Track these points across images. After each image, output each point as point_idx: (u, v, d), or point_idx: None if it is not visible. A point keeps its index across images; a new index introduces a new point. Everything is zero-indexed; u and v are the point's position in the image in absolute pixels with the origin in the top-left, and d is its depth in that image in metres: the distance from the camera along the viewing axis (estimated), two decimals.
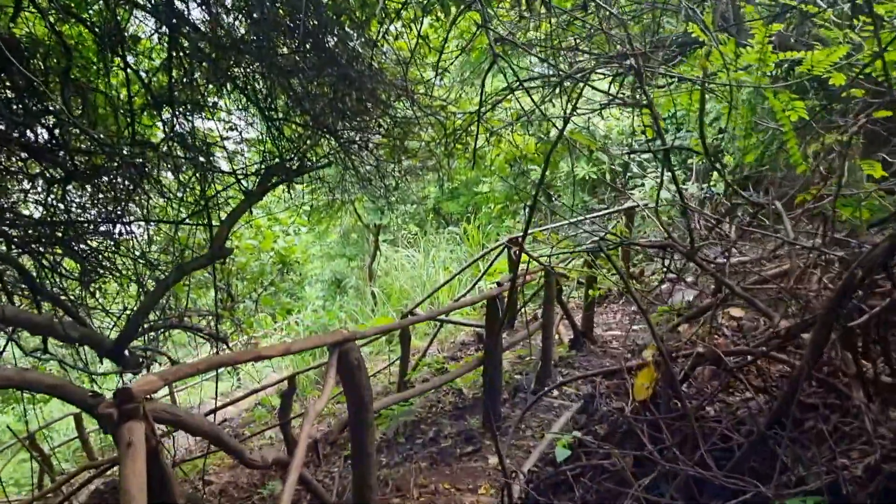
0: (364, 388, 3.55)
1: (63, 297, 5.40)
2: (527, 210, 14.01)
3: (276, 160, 6.22)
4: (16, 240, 5.27)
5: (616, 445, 3.25)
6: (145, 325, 6.05)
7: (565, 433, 3.73)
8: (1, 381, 3.35)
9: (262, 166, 5.89)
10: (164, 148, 5.67)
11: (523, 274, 5.08)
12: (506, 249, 8.80)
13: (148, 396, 2.42)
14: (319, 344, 3.21)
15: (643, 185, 11.13)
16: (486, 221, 15.95)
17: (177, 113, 5.67)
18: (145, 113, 6.19)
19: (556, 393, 6.38)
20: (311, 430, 2.98)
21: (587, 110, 10.72)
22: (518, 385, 6.31)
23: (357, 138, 6.95)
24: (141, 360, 5.07)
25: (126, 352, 5.00)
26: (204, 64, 5.68)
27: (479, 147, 7.89)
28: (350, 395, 3.60)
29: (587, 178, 11.07)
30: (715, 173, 11.31)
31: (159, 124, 6.32)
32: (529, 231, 10.40)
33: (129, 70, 5.24)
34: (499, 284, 4.74)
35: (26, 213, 6.27)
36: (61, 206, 5.63)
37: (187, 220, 5.29)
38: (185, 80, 5.63)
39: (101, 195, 6.21)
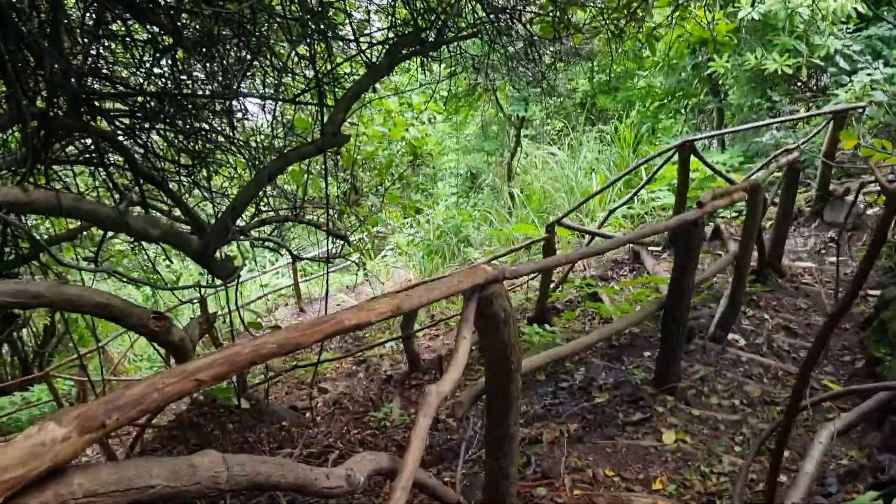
0: (512, 351, 2.49)
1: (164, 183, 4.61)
2: (716, 112, 12.31)
3: (409, 29, 5.08)
4: (116, 115, 4.47)
5: None
6: (252, 221, 5.24)
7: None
8: (25, 299, 2.52)
9: (391, 34, 4.77)
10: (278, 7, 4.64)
11: (727, 192, 3.79)
12: (677, 154, 7.39)
13: None
14: (449, 293, 2.16)
15: (850, 83, 9.21)
16: (639, 120, 14.27)
17: None
18: None
19: (742, 342, 5.14)
20: (429, 419, 1.96)
21: None
22: (691, 326, 5.09)
23: (509, 5, 5.67)
24: (236, 265, 4.21)
25: (219, 254, 4.16)
26: None
27: (659, 25, 6.42)
28: (491, 359, 2.57)
29: (779, 71, 9.26)
30: None
31: None
32: (704, 136, 8.87)
33: None
34: (699, 205, 3.51)
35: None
36: (165, 77, 4.77)
37: (293, 99, 4.27)
38: None
39: (211, 66, 5.31)
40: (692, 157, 7.39)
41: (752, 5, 9.03)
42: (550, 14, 6.13)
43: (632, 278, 7.67)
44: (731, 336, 5.11)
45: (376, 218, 7.70)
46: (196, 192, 5.59)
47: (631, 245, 8.21)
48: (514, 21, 5.99)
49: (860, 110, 8.33)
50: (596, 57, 12.14)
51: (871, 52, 10.13)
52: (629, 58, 14.15)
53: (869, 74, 9.09)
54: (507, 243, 10.49)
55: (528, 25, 6.27)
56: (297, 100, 4.53)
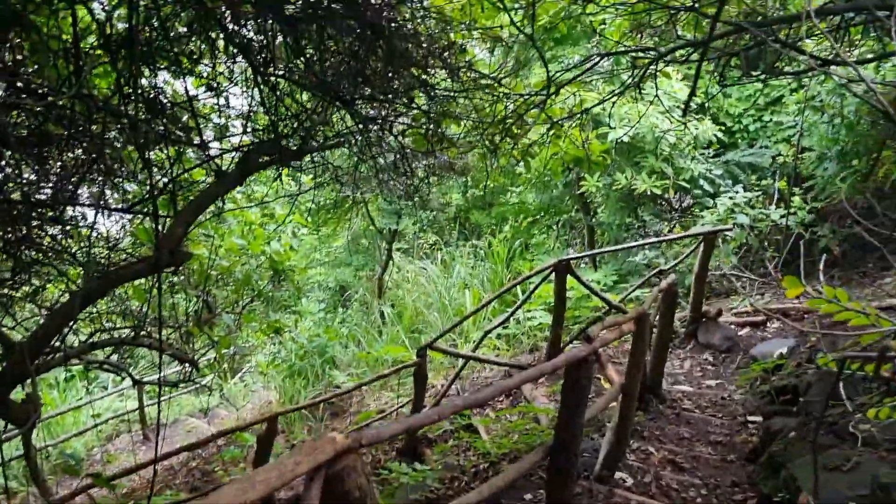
0: None
1: None
2: (586, 229, 12.48)
3: (269, 136, 4.69)
4: None
5: None
6: (84, 343, 4.55)
7: None
8: None
9: (248, 141, 4.36)
10: (122, 108, 4.13)
11: (616, 324, 3.53)
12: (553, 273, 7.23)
13: None
14: (280, 484, 1.64)
15: (714, 206, 9.55)
16: (512, 236, 14.40)
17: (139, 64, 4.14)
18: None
19: (629, 481, 4.79)
20: None
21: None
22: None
23: (380, 115, 5.40)
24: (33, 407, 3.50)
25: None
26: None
27: (534, 142, 6.34)
28: None
29: (648, 192, 9.50)
30: (796, 198, 9.76)
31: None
32: (580, 255, 8.86)
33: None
34: (588, 339, 3.19)
35: None
36: None
37: (129, 209, 3.73)
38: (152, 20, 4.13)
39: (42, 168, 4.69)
40: (568, 276, 7.27)
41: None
42: (423, 126, 5.92)
43: (509, 405, 7.31)
44: (617, 475, 4.77)
45: (229, 340, 7.04)
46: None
47: (507, 369, 7.91)
48: (385, 132, 5.73)
49: (727, 232, 8.55)
50: (470, 172, 12.18)
51: (730, 177, 10.63)
52: (502, 174, 14.34)
53: (731, 198, 9.45)
54: (375, 366, 9.97)
55: (399, 137, 6.02)
56: (134, 209, 3.97)
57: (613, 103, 6.35)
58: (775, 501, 3.87)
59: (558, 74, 5.81)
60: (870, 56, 7.62)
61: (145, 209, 4.02)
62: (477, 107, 6.09)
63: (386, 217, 12.54)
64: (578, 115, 6.02)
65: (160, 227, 3.48)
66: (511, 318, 8.02)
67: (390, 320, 11.86)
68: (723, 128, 10.67)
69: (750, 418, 6.26)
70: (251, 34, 4.56)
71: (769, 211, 9.45)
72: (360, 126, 5.45)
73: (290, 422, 9.97)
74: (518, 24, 5.24)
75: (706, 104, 10.61)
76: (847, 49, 5.42)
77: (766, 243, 9.80)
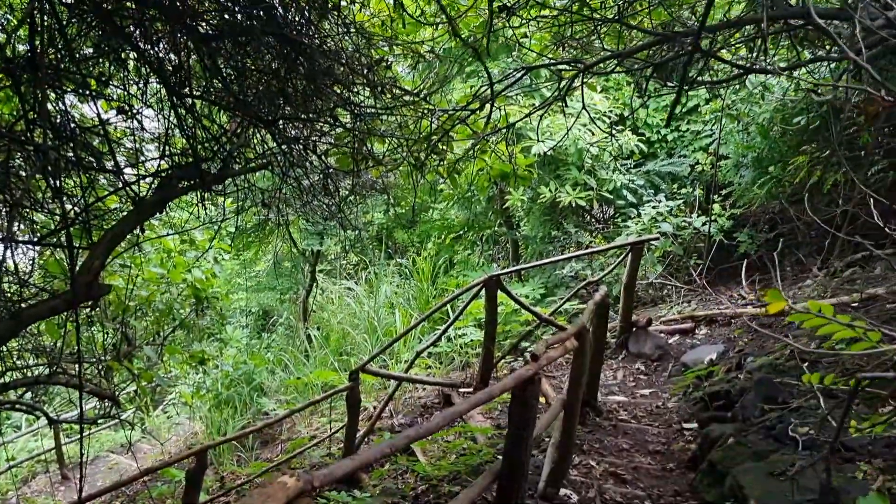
0: None
1: None
2: (510, 243, 12.52)
3: (188, 160, 4.50)
4: None
5: None
6: None
7: None
8: None
9: (165, 165, 4.17)
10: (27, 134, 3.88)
11: (559, 341, 3.48)
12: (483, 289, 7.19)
13: None
14: None
15: (638, 215, 9.72)
16: (436, 253, 14.40)
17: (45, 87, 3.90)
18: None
19: (574, 498, 4.76)
20: None
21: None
22: None
23: (303, 135, 5.26)
24: None
25: None
26: (86, 17, 3.96)
27: (461, 158, 6.30)
28: None
29: (572, 204, 9.60)
30: (716, 205, 10.03)
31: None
32: (509, 270, 8.87)
33: None
34: (533, 358, 3.13)
35: None
36: None
37: (40, 241, 3.49)
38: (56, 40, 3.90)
39: None
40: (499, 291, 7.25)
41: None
42: (348, 145, 5.80)
43: (445, 427, 7.20)
44: (562, 492, 4.72)
45: (150, 374, 6.73)
46: None
47: (441, 388, 7.82)
48: (309, 152, 5.58)
49: (653, 241, 8.70)
50: (392, 189, 12.09)
51: (651, 186, 10.84)
52: (424, 191, 14.30)
53: (654, 207, 9.62)
54: (304, 391, 9.74)
55: (323, 157, 5.88)
56: (45, 241, 3.73)
57: (540, 117, 6.38)
58: None
59: (483, 89, 5.79)
60: (783, 65, 7.90)
61: (57, 241, 3.78)
62: (402, 124, 6.01)
63: (308, 238, 12.32)
64: (504, 129, 6.00)
65: (74, 260, 3.26)
66: (442, 337, 7.95)
67: (317, 343, 11.62)
68: (642, 138, 10.89)
69: (685, 426, 6.34)
70: (164, 53, 4.38)
71: (691, 219, 9.67)
72: (283, 147, 5.31)
73: (218, 453, 9.63)
74: (440, 38, 5.21)
75: (625, 115, 10.82)
76: (763, 58, 5.59)
77: (689, 251, 10.03)
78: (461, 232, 14.35)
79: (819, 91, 8.10)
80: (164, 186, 4.04)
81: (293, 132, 5.32)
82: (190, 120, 4.52)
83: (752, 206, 10.01)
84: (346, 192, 7.89)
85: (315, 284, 13.78)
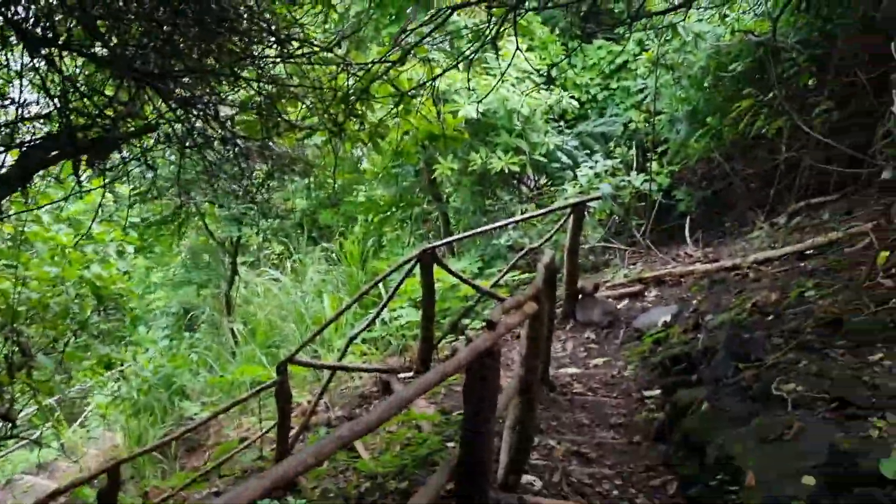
0: None
1: None
2: (441, 217, 11.97)
3: (60, 126, 3.79)
4: None
5: None
6: None
7: None
8: None
9: (24, 129, 3.47)
10: None
11: (518, 305, 2.96)
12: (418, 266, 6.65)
13: None
14: None
15: (575, 178, 9.30)
16: (364, 235, 13.81)
17: None
18: None
19: (538, 483, 4.28)
20: None
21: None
22: None
23: (201, 97, 4.59)
24: None
25: None
26: None
27: (383, 119, 5.73)
28: None
29: (505, 170, 9.11)
30: (655, 163, 9.70)
31: None
32: (444, 241, 8.35)
33: None
34: (490, 326, 2.59)
35: None
36: None
37: None
38: None
39: None
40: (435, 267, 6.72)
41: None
42: (256, 108, 5.14)
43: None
44: (524, 478, 4.23)
45: (52, 386, 5.99)
46: None
47: (378, 375, 7.26)
48: (209, 118, 4.90)
49: (591, 203, 8.27)
50: (311, 173, 11.41)
51: (584, 148, 10.45)
52: (347, 169, 13.69)
53: (591, 168, 9.22)
54: (231, 390, 9.04)
55: (228, 123, 5.21)
56: None
57: (469, 74, 5.84)
58: (711, 484, 3.43)
59: (403, 36, 5.22)
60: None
61: None
62: (315, 84, 5.38)
63: (225, 226, 11.52)
64: (429, 83, 5.43)
65: None
66: (376, 320, 7.38)
67: (243, 338, 10.89)
68: (573, 98, 10.47)
69: (646, 393, 5.95)
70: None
71: (630, 178, 9.31)
72: (178, 112, 4.64)
73: (139, 466, 8.86)
74: None
75: (553, 76, 10.39)
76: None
77: (630, 212, 9.69)
78: (389, 211, 13.77)
79: (756, 32, 7.81)
80: (27, 157, 3.35)
81: (188, 93, 4.64)
82: (58, 80, 3.83)
83: (691, 161, 9.71)
84: (258, 168, 7.23)
85: (237, 277, 13.00)
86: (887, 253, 5.38)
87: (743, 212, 9.72)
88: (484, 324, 2.88)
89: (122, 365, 9.70)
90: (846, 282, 5.50)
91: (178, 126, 4.74)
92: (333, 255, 13.27)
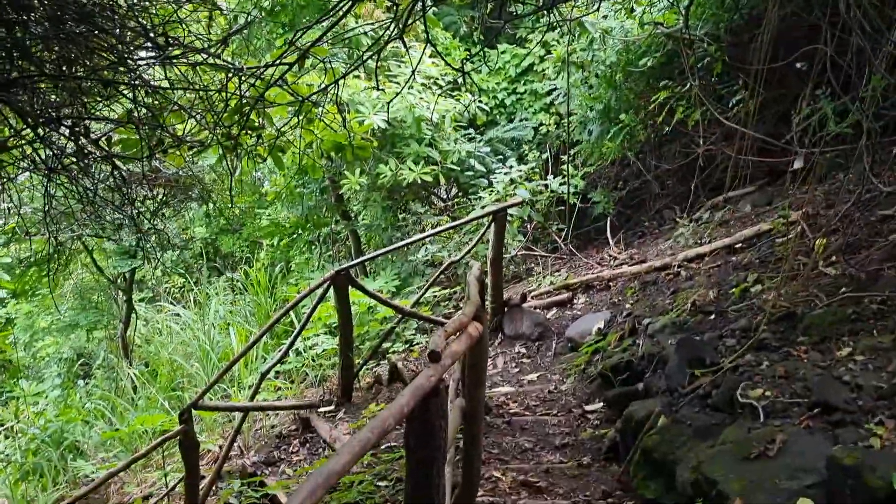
0: None
1: None
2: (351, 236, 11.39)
3: None
4: None
5: None
6: None
7: None
8: None
9: None
10: None
11: (460, 328, 2.51)
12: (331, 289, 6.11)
13: None
14: None
15: (491, 186, 8.92)
16: (269, 261, 13.19)
17: None
18: None
19: None
20: None
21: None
22: None
23: (65, 110, 3.96)
24: None
25: None
26: None
27: (282, 130, 5.20)
28: None
29: (418, 181, 8.64)
30: (571, 166, 9.44)
31: None
32: (357, 261, 7.82)
33: None
34: (433, 358, 2.08)
35: None
36: None
37: None
38: None
39: None
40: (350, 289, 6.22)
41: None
42: (136, 123, 4.50)
43: (307, 457, 6.07)
44: None
45: None
46: None
47: (296, 412, 6.67)
48: (79, 137, 4.26)
49: (513, 209, 7.90)
50: (210, 196, 10.70)
51: (496, 155, 10.13)
52: (248, 192, 13.03)
53: (506, 174, 8.87)
54: (132, 442, 8.22)
55: (104, 142, 4.56)
56: None
57: (375, 87, 5.34)
58: None
59: (298, 34, 4.72)
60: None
61: None
62: (202, 93, 4.78)
63: (117, 260, 10.65)
64: (331, 85, 4.90)
65: None
66: (290, 351, 6.78)
67: (142, 382, 10.03)
68: (480, 103, 10.11)
69: (587, 408, 5.58)
70: None
71: (547, 181, 8.99)
72: (39, 132, 3.98)
73: None
74: None
75: (458, 81, 10.01)
76: None
77: (549, 217, 9.38)
78: (295, 233, 13.14)
79: (664, 24, 7.62)
80: None
81: (48, 107, 3.98)
82: None
83: (606, 161, 9.48)
84: (148, 195, 6.56)
85: (134, 315, 12.08)
86: (824, 241, 5.18)
87: (661, 210, 9.55)
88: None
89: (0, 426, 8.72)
90: (787, 273, 5.25)
91: (39, 147, 4.08)
92: (239, 284, 12.58)
